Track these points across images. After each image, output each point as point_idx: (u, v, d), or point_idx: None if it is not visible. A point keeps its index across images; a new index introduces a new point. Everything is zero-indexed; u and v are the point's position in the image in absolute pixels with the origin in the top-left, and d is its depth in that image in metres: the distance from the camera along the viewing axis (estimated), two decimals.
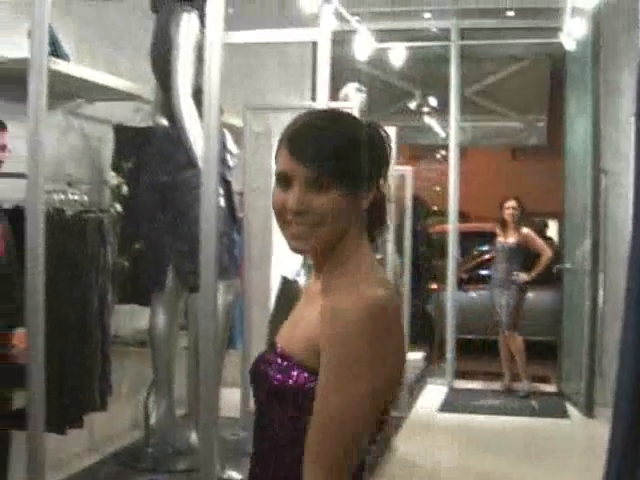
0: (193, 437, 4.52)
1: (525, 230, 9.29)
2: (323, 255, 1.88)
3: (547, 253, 9.24)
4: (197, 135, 3.66)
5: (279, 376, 1.81)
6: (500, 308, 9.26)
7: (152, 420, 4.50)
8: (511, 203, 9.25)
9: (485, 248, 11.59)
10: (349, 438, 1.71)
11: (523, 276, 9.14)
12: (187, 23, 3.97)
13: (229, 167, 4.20)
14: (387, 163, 1.92)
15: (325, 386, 1.71)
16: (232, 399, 5.91)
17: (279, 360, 1.84)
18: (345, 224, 1.83)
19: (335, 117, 1.89)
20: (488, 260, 9.92)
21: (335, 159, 1.78)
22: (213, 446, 3.60)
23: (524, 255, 9.29)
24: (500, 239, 9.36)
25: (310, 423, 1.72)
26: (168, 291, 4.39)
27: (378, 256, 7.36)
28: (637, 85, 3.41)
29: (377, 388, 1.72)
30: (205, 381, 3.54)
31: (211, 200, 3.39)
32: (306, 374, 1.77)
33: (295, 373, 1.79)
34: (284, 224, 1.84)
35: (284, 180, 1.82)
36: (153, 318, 4.46)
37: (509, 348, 9.31)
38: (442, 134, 13.10)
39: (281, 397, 1.80)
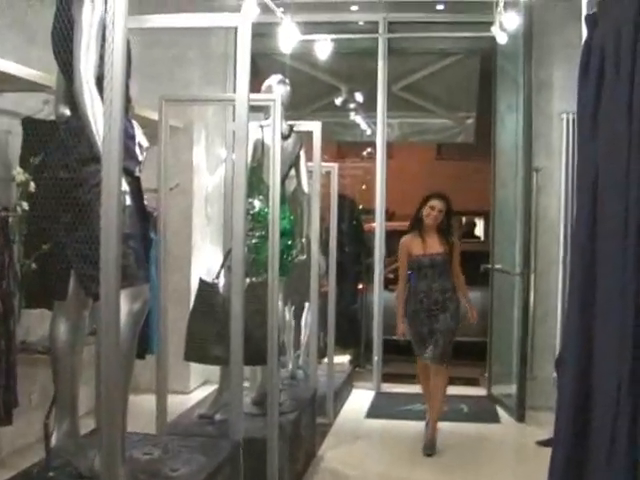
0: (99, 458, 4.14)
1: (456, 241, 7.57)
2: None
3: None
4: (101, 126, 3.32)
5: None
6: (430, 336, 7.13)
7: (53, 441, 4.10)
8: (434, 210, 7.35)
9: None
10: None
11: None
12: (90, 3, 3.64)
13: (139, 162, 3.86)
14: None
15: None
16: (148, 407, 5.62)
17: None
18: None
19: None
20: None
21: None
22: (117, 469, 3.26)
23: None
24: (417, 252, 7.39)
25: None
26: (70, 299, 4.01)
27: (302, 257, 7.23)
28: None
29: None
30: (107, 396, 3.19)
31: (113, 198, 3.02)
32: None
33: None
34: None
35: None
36: (53, 328, 4.05)
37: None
38: (369, 131, 12.91)
39: None
